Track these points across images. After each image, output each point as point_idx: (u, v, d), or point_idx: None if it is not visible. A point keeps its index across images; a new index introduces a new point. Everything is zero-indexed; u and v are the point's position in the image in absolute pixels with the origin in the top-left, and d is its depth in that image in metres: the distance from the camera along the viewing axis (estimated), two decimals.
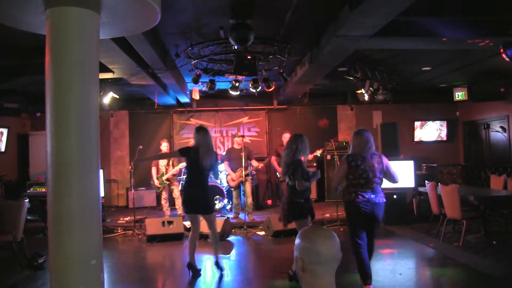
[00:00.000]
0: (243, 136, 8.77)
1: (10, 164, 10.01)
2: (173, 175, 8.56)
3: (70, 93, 2.84)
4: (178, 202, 8.60)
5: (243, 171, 8.07)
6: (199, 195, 5.22)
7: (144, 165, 10.21)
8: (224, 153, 10.73)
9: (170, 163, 8.57)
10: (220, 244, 5.51)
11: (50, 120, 2.81)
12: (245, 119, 11.38)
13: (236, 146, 8.74)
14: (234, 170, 8.56)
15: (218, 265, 5.38)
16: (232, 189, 8.78)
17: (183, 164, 9.04)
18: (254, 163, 8.66)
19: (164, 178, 8.46)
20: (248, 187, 8.55)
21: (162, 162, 8.54)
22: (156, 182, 8.52)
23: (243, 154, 8.26)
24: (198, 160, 5.15)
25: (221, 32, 5.73)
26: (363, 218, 4.43)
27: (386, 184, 8.22)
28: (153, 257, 6.61)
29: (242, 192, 8.70)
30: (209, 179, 5.57)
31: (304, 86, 9.02)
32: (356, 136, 4.71)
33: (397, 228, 7.83)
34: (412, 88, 10.19)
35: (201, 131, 5.32)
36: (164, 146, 8.67)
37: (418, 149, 11.17)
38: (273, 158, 9.14)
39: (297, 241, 1.67)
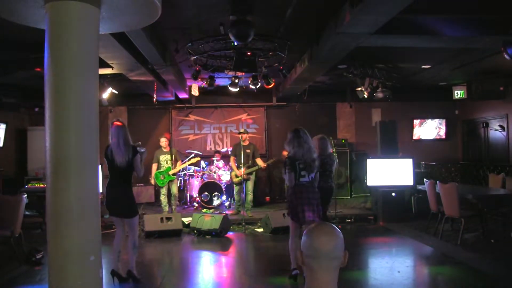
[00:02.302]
0: (243, 132, 8.67)
1: (8, 159, 9.97)
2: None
3: (70, 88, 2.82)
4: (175, 199, 8.66)
5: (248, 168, 8.09)
6: (118, 197, 4.80)
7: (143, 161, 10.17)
8: (223, 150, 10.75)
9: (173, 158, 8.62)
10: (136, 253, 4.96)
11: (49, 116, 2.80)
12: (244, 116, 11.36)
13: (242, 143, 8.66)
14: (238, 166, 8.55)
15: (130, 274, 4.84)
16: (235, 184, 8.78)
17: (196, 159, 9.12)
18: (259, 161, 8.62)
19: (171, 172, 8.50)
20: (250, 184, 8.56)
21: (163, 158, 8.56)
22: (152, 180, 8.58)
23: (248, 151, 8.23)
24: (114, 158, 4.72)
25: (221, 28, 5.71)
26: None
27: (384, 181, 8.31)
28: (151, 253, 6.60)
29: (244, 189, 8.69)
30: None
31: (304, 83, 9.01)
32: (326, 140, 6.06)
33: (395, 226, 7.84)
34: (412, 86, 10.19)
35: (113, 125, 4.78)
36: (162, 142, 8.67)
37: (417, 147, 11.17)
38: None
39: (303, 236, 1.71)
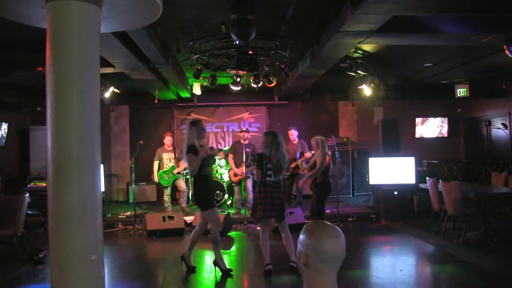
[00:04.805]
0: (245, 131, 8.67)
1: (11, 159, 10.00)
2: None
3: (71, 87, 2.82)
4: (183, 195, 8.64)
5: (247, 167, 8.06)
6: None
7: (145, 160, 10.14)
8: (225, 148, 10.74)
9: (177, 157, 8.62)
10: (217, 248, 5.21)
11: (51, 115, 2.79)
12: (246, 115, 11.36)
13: (242, 141, 8.66)
14: (237, 165, 8.54)
15: (215, 263, 5.23)
16: (234, 184, 8.77)
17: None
18: None
19: (175, 171, 8.52)
20: (249, 183, 8.54)
21: (166, 156, 8.58)
22: (156, 178, 8.59)
23: (248, 150, 8.22)
24: None
25: (223, 27, 5.70)
26: None
27: (386, 180, 8.30)
28: (153, 252, 6.61)
29: (243, 188, 8.69)
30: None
31: (306, 82, 8.98)
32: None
33: (398, 224, 7.83)
34: (414, 85, 10.15)
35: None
36: (168, 141, 8.71)
37: (419, 146, 11.14)
38: None
39: (302, 236, 1.64)
